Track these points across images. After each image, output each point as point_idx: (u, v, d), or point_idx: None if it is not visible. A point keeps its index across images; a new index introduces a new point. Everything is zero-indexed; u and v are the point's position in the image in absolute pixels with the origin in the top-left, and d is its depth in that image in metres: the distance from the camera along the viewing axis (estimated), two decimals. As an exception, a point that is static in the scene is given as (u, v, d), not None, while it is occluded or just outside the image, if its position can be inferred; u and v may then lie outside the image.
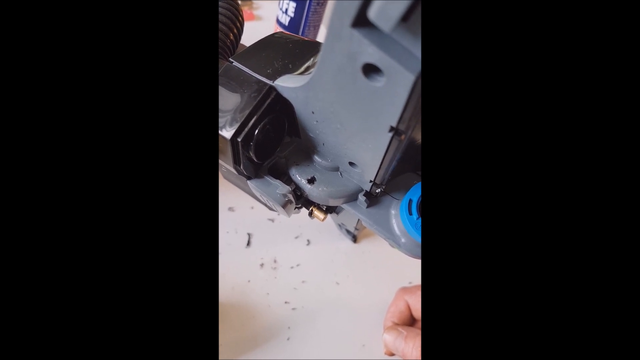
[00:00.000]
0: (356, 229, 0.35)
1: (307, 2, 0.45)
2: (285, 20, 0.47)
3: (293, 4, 0.45)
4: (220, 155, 0.20)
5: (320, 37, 0.51)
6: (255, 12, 0.62)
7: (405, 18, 0.09)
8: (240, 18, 0.23)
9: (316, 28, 0.49)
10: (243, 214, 0.38)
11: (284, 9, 0.47)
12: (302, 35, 0.48)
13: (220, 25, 0.22)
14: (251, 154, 0.19)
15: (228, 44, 0.22)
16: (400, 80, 0.11)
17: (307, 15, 0.46)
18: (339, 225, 0.38)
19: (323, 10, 0.47)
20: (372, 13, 0.10)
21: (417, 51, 0.10)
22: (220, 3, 0.22)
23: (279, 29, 0.49)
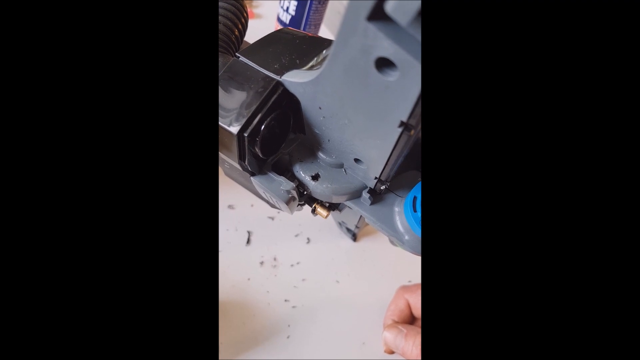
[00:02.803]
0: (356, 227, 0.35)
1: (309, 1, 0.45)
2: (286, 18, 0.47)
3: (294, 3, 0.45)
4: (224, 151, 0.20)
5: (321, 35, 0.51)
6: (255, 11, 0.62)
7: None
8: (244, 14, 0.23)
9: (317, 27, 0.49)
10: (243, 211, 0.37)
11: (285, 7, 0.47)
12: (302, 33, 0.48)
13: (225, 20, 0.22)
14: (257, 150, 0.19)
15: (233, 39, 0.22)
16: (414, 75, 0.11)
17: (308, 14, 0.46)
18: (339, 224, 0.38)
19: (324, 9, 0.47)
20: (390, 6, 0.10)
21: None
22: (224, -1, 0.22)
23: (280, 27, 0.49)
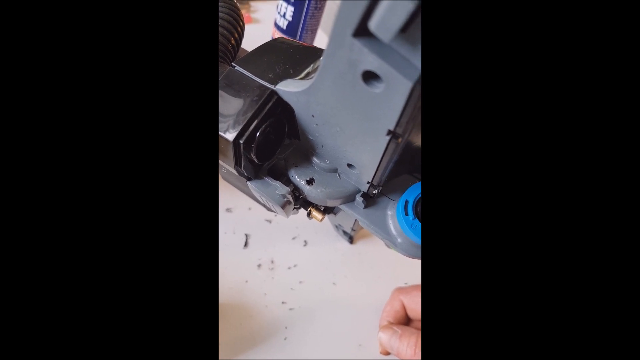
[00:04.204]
0: (353, 229, 0.36)
1: (305, 6, 0.45)
2: (283, 24, 0.48)
3: (291, 8, 0.46)
4: (221, 157, 0.20)
5: (317, 41, 0.52)
6: (252, 15, 0.62)
7: (404, 29, 0.10)
8: (241, 22, 0.24)
9: (314, 32, 0.49)
10: (241, 214, 0.38)
11: (282, 13, 0.48)
12: (299, 39, 0.49)
13: (221, 29, 0.22)
14: (252, 156, 0.19)
15: (229, 48, 0.23)
16: (398, 87, 0.12)
17: (304, 20, 0.47)
18: (336, 227, 0.38)
19: (321, 15, 0.48)
20: (373, 24, 0.10)
21: (414, 60, 0.11)
22: (221, 7, 0.23)
23: (277, 33, 0.50)
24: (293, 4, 0.46)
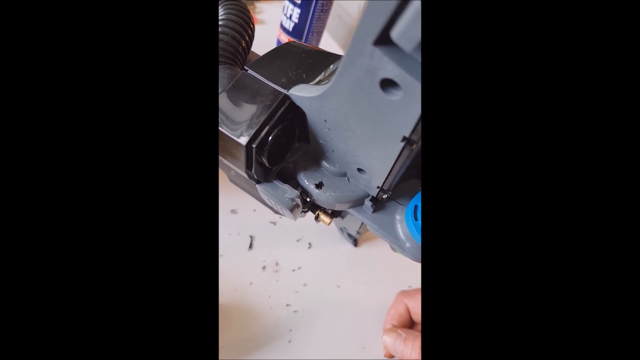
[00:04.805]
0: (358, 232, 0.36)
1: (312, 8, 0.46)
2: (289, 26, 0.48)
3: (297, 10, 0.46)
4: (232, 160, 0.20)
5: (323, 43, 0.52)
6: (258, 16, 0.62)
7: (426, 39, 0.10)
8: (251, 25, 0.24)
9: (319, 34, 0.49)
10: (245, 216, 0.38)
11: (288, 15, 0.48)
12: (305, 41, 0.49)
13: (232, 32, 0.22)
14: (264, 160, 0.19)
15: (240, 50, 0.23)
16: (416, 95, 0.12)
17: (310, 22, 0.47)
18: (341, 229, 0.38)
19: (326, 17, 0.48)
20: (395, 34, 0.10)
21: None
22: (231, 10, 0.23)
23: (283, 34, 0.50)
24: (299, 6, 0.46)
